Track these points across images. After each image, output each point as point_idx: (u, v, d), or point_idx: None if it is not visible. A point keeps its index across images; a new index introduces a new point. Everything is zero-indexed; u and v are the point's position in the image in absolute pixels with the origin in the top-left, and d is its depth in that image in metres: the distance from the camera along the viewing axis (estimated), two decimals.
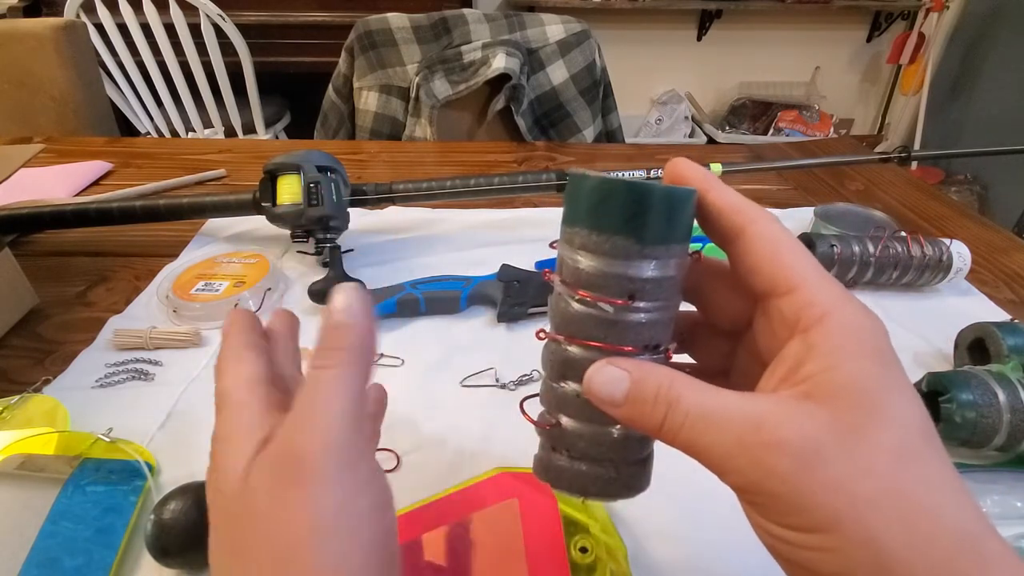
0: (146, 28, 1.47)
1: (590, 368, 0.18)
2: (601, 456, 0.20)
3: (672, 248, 0.18)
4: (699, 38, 2.59)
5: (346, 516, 0.18)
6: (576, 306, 0.19)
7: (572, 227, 0.19)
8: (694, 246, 0.20)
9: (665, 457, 0.40)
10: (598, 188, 0.18)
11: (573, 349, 0.19)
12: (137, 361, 0.47)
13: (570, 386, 0.20)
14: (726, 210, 0.19)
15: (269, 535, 0.17)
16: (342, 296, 0.20)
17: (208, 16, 1.47)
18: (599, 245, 0.18)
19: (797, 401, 0.16)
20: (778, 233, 0.18)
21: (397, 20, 1.12)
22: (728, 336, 0.22)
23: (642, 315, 0.19)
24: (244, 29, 1.54)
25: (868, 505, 0.15)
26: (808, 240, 0.56)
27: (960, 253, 0.55)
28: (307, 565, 0.17)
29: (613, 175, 0.21)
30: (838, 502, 0.15)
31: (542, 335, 0.21)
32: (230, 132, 1.69)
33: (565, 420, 0.20)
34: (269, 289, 0.55)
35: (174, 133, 1.68)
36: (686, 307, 0.22)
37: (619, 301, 0.18)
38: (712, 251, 0.21)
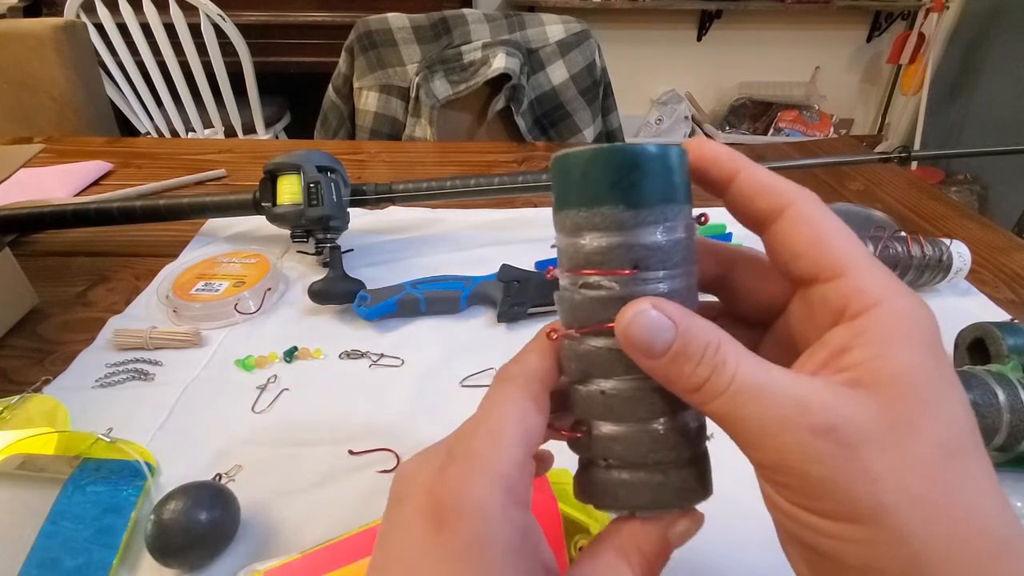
0: (146, 28, 1.47)
1: (627, 307, 0.16)
2: (642, 460, 0.18)
3: (668, 209, 0.17)
4: (699, 38, 2.59)
5: None
6: (581, 292, 0.18)
7: (561, 211, 0.18)
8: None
9: None
10: (576, 161, 0.17)
11: (589, 342, 0.18)
12: (137, 361, 0.47)
13: (595, 385, 0.18)
14: (761, 190, 0.18)
15: None
16: (691, 526, 0.19)
17: (208, 16, 1.47)
18: (590, 220, 0.17)
19: (844, 387, 0.15)
20: (822, 214, 0.17)
21: (397, 20, 1.12)
22: (752, 326, 0.21)
23: (652, 285, 0.17)
24: (244, 29, 1.54)
25: (910, 500, 0.14)
26: None
27: (960, 253, 0.55)
28: None
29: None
30: (879, 494, 0.14)
31: (554, 335, 0.19)
32: (230, 132, 1.69)
33: (597, 424, 0.18)
34: (269, 289, 0.55)
35: (174, 133, 1.68)
36: (706, 298, 0.21)
37: (624, 271, 0.17)
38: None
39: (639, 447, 0.18)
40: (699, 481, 0.19)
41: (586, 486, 0.19)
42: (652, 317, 0.16)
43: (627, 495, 0.18)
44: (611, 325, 0.17)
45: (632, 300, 0.17)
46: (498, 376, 0.19)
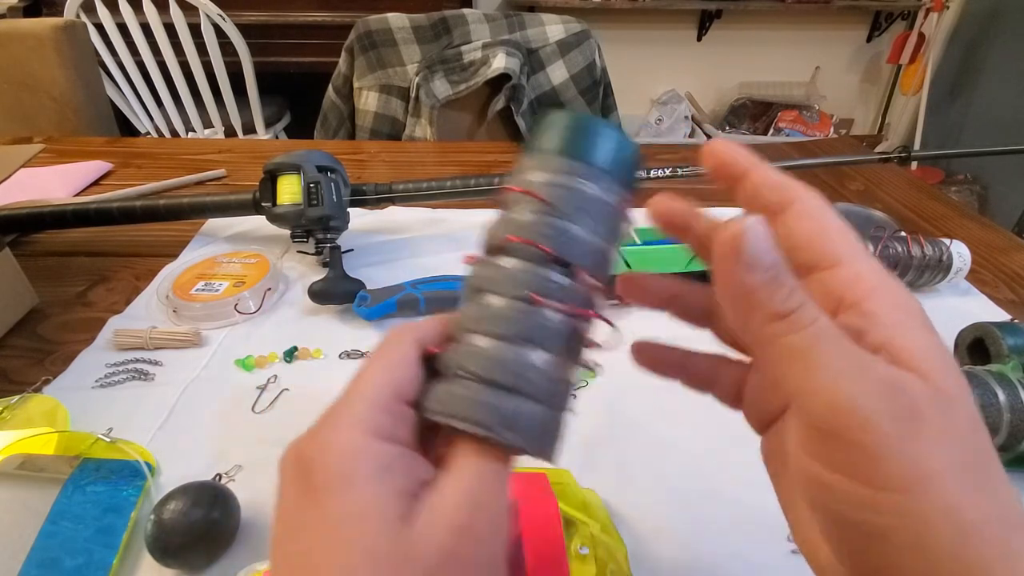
0: (146, 28, 1.47)
1: (744, 219, 0.16)
2: (493, 377, 0.17)
3: (601, 175, 0.19)
4: (699, 38, 2.59)
5: None
6: (506, 212, 0.20)
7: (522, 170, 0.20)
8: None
9: (666, 457, 0.40)
10: (549, 121, 0.20)
11: (497, 260, 0.19)
12: (137, 361, 0.47)
13: (484, 299, 0.18)
14: (771, 186, 0.18)
15: None
16: None
17: (208, 16, 1.47)
18: (541, 161, 0.20)
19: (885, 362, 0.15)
20: (823, 209, 0.18)
21: (397, 20, 1.12)
22: (742, 350, 0.22)
23: (568, 223, 0.18)
24: (244, 29, 1.54)
25: (956, 470, 0.14)
26: None
27: (960, 253, 0.55)
28: None
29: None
30: (930, 461, 0.14)
31: (468, 259, 0.20)
32: (230, 132, 1.69)
33: (468, 337, 0.18)
34: (269, 289, 0.55)
35: (174, 133, 1.68)
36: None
37: (545, 201, 0.19)
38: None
39: (481, 358, 0.18)
40: (529, 423, 0.18)
41: (424, 396, 0.18)
42: (765, 232, 0.16)
43: (451, 403, 0.18)
44: (512, 238, 0.18)
45: (746, 217, 0.16)
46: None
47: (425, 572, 0.15)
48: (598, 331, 0.20)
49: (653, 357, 0.23)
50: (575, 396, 0.18)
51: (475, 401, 0.17)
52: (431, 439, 0.20)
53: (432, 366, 0.19)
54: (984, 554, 0.14)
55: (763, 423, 0.21)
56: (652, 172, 0.62)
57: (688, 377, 0.22)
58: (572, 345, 0.19)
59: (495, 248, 0.19)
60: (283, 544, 0.17)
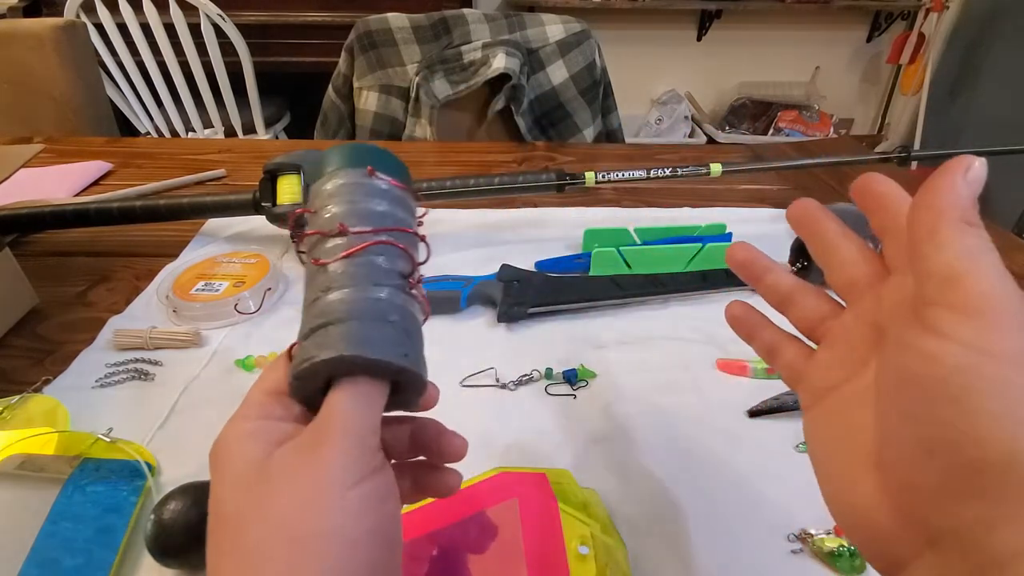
0: (146, 28, 1.47)
1: (967, 156, 0.19)
2: (323, 321, 0.21)
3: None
4: (699, 38, 2.59)
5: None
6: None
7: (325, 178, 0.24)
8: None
9: (666, 458, 0.40)
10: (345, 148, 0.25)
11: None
12: (137, 361, 0.47)
13: (335, 268, 0.22)
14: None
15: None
16: None
17: (208, 16, 1.47)
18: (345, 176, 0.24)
19: None
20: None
21: (397, 20, 1.12)
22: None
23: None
24: (244, 29, 1.54)
25: None
26: (801, 243, 0.56)
27: None
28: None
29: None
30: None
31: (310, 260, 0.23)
32: (230, 132, 1.69)
33: (331, 295, 0.21)
34: (269, 289, 0.55)
35: (174, 133, 1.68)
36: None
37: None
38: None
39: (309, 317, 0.21)
40: (368, 340, 0.20)
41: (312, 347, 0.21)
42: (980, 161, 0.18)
43: (297, 361, 0.21)
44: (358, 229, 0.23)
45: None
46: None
47: (274, 489, 0.19)
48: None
49: (738, 316, 0.27)
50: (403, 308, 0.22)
51: (302, 347, 0.21)
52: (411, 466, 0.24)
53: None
54: None
55: (820, 392, 0.22)
56: (652, 172, 0.62)
57: (759, 344, 0.26)
58: (361, 273, 0.22)
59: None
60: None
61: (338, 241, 0.22)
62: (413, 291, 0.23)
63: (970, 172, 0.18)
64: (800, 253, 0.58)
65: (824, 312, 0.24)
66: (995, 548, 0.15)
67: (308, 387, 0.21)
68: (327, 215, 0.22)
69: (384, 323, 0.21)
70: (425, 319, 0.24)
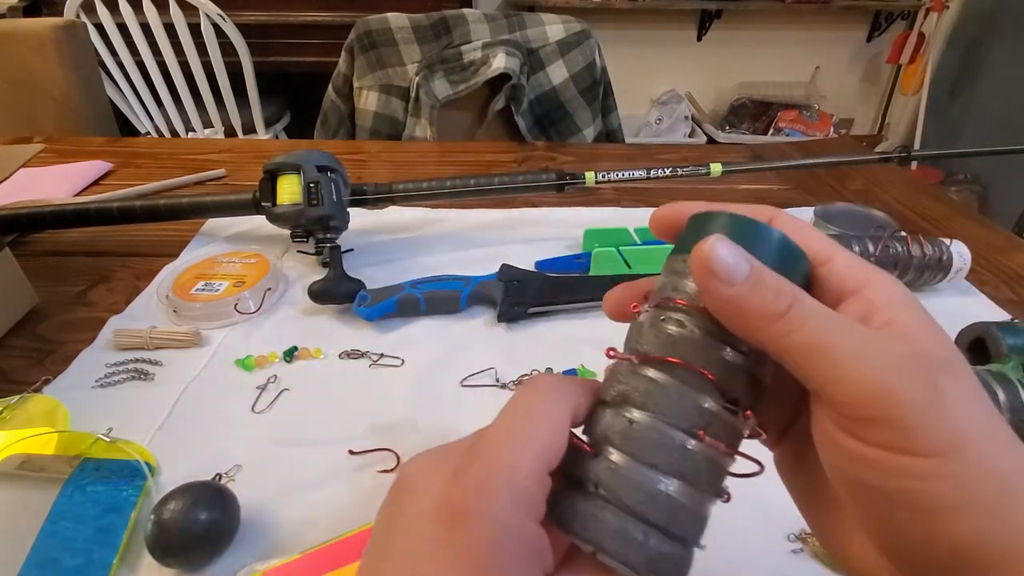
0: (146, 28, 1.47)
1: (705, 239, 0.17)
2: (632, 506, 0.17)
3: None
4: (699, 38, 2.59)
5: None
6: (660, 323, 0.18)
7: (677, 254, 0.19)
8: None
9: None
10: (711, 219, 0.19)
11: (644, 369, 0.18)
12: (137, 361, 0.47)
13: (627, 413, 0.17)
14: (750, 210, 0.20)
15: None
16: None
17: (208, 16, 1.47)
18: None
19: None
20: (799, 219, 0.20)
21: (397, 20, 1.12)
22: None
23: (734, 354, 0.18)
24: (244, 29, 1.54)
25: (981, 429, 0.15)
26: None
27: (960, 253, 0.55)
28: None
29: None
30: (965, 423, 0.15)
31: (613, 354, 0.19)
32: (230, 132, 1.69)
33: (608, 450, 0.17)
34: (269, 289, 0.55)
35: (174, 133, 1.68)
36: None
37: (704, 315, 0.18)
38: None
39: (637, 492, 0.17)
40: (672, 565, 0.17)
41: (564, 505, 0.17)
42: (732, 246, 0.16)
43: (598, 532, 0.17)
44: (673, 359, 0.17)
45: (707, 238, 0.17)
46: (533, 383, 0.19)
47: None
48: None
49: None
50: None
51: (623, 534, 0.16)
52: None
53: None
54: (1020, 507, 0.14)
55: (777, 434, 0.21)
56: (652, 172, 0.62)
57: None
58: (716, 481, 0.18)
59: (645, 357, 0.18)
60: (403, 568, 0.16)
61: (702, 404, 0.17)
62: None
63: (720, 259, 0.16)
64: None
65: None
66: None
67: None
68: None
69: (694, 550, 0.18)
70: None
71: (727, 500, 0.18)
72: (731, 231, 0.18)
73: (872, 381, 0.15)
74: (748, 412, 0.18)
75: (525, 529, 0.16)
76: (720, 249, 0.16)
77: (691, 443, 0.17)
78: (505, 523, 0.16)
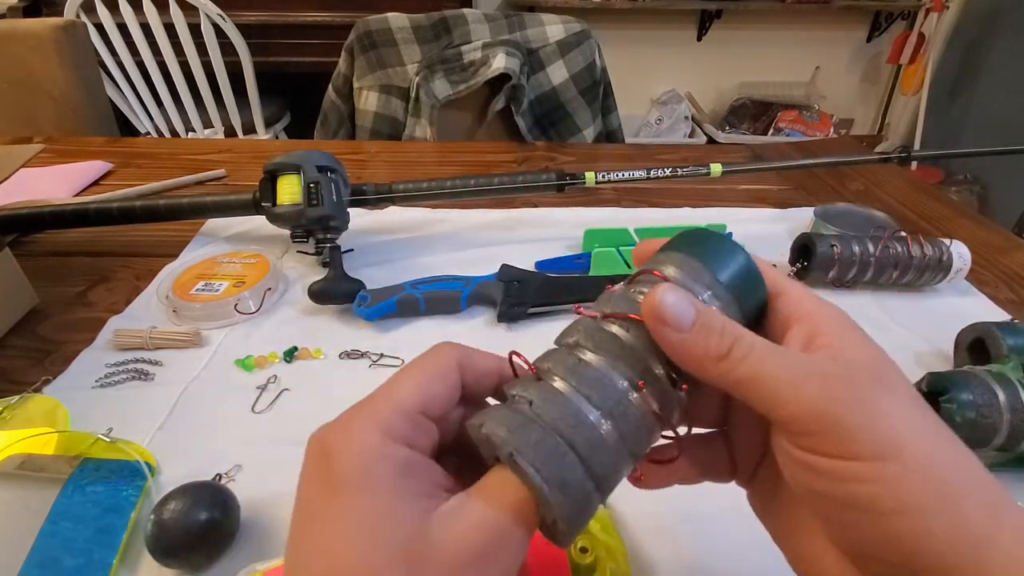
0: (146, 28, 1.47)
1: (656, 289, 0.18)
2: (559, 426, 0.17)
3: (715, 282, 0.20)
4: (699, 38, 2.59)
5: None
6: (628, 290, 0.20)
7: (664, 252, 0.21)
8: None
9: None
10: (698, 233, 0.21)
11: (604, 324, 0.19)
12: (137, 361, 0.47)
13: (578, 351, 0.19)
14: None
15: None
16: None
17: (208, 16, 1.47)
18: (677, 260, 0.20)
19: (833, 356, 0.18)
20: (760, 259, 0.21)
21: (397, 20, 1.12)
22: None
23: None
24: (244, 29, 1.54)
25: (917, 433, 0.16)
26: (808, 240, 0.56)
27: (960, 253, 0.55)
28: None
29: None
30: (895, 428, 0.16)
31: (579, 309, 0.21)
32: (230, 132, 1.69)
33: (551, 376, 0.19)
34: (269, 289, 0.55)
35: (174, 133, 1.68)
36: None
37: (665, 280, 0.20)
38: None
39: (567, 415, 0.17)
40: (580, 495, 0.17)
41: (492, 414, 0.18)
42: (679, 294, 0.18)
43: (521, 438, 0.17)
44: (635, 316, 0.19)
45: (656, 287, 0.19)
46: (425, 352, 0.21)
47: None
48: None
49: (655, 486, 0.23)
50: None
51: (544, 445, 0.17)
52: (452, 462, 0.21)
53: (502, 391, 0.20)
54: (964, 504, 0.16)
55: (748, 473, 0.23)
56: (652, 172, 0.62)
57: (691, 471, 0.23)
58: (639, 440, 0.19)
59: (609, 315, 0.20)
60: (302, 533, 0.17)
61: (651, 365, 0.19)
62: None
63: (668, 309, 0.18)
64: (800, 253, 0.58)
65: (714, 412, 0.24)
66: None
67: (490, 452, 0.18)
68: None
69: (600, 499, 0.18)
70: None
71: (637, 476, 0.21)
72: (704, 248, 0.20)
73: (806, 402, 0.17)
74: (684, 386, 0.19)
75: (386, 449, 0.17)
76: (668, 298, 0.18)
77: (631, 392, 0.18)
78: (364, 446, 0.17)
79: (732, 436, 0.23)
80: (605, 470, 0.18)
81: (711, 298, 0.20)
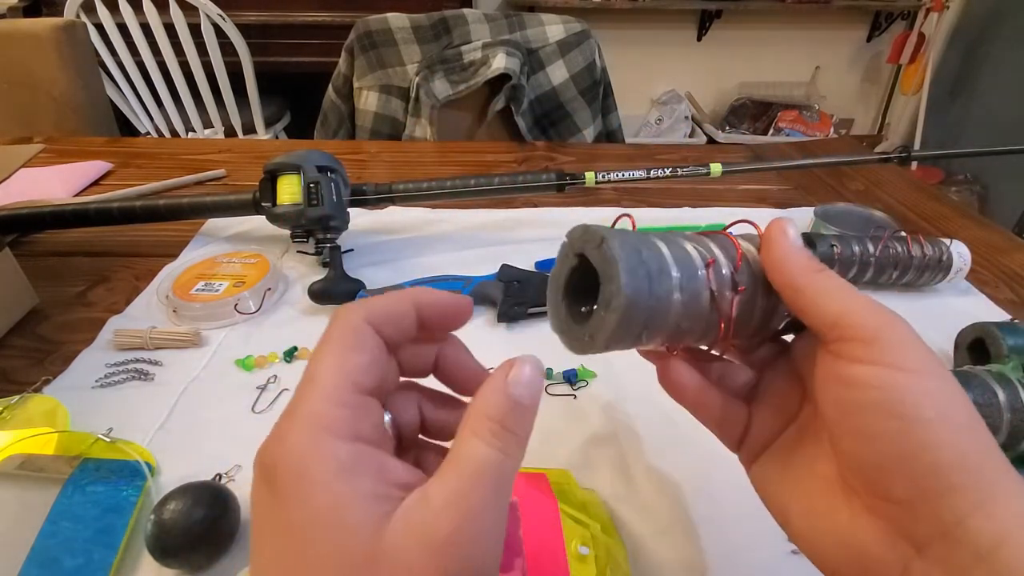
0: (146, 28, 1.47)
1: (783, 219, 0.22)
2: (656, 287, 0.20)
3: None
4: (699, 38, 2.59)
5: None
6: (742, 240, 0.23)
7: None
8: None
9: (666, 458, 0.40)
10: None
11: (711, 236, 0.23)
12: (137, 361, 0.47)
13: (688, 246, 0.21)
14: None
15: None
16: (531, 370, 0.18)
17: (208, 16, 1.47)
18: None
19: None
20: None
21: (397, 20, 1.12)
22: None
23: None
24: (244, 29, 1.54)
25: (941, 369, 0.18)
26: (808, 240, 0.56)
27: (960, 253, 0.55)
28: None
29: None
30: (924, 358, 0.18)
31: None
32: (230, 132, 1.69)
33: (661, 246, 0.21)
34: (269, 289, 0.55)
35: (174, 133, 1.68)
36: None
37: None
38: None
39: (646, 246, 0.20)
40: (641, 299, 0.19)
41: (617, 233, 0.20)
42: (794, 223, 0.22)
43: (626, 252, 0.19)
44: (727, 234, 0.23)
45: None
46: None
47: None
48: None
49: (677, 383, 0.24)
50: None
51: (630, 248, 0.19)
52: (416, 445, 0.20)
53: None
54: (986, 435, 0.18)
55: (759, 449, 0.24)
56: (652, 172, 0.62)
57: (700, 403, 0.24)
58: (692, 305, 0.21)
59: (705, 234, 0.23)
60: (256, 549, 0.16)
61: (726, 272, 0.22)
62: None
63: (791, 230, 0.22)
64: None
65: (746, 377, 0.25)
66: (973, 540, 0.16)
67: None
68: None
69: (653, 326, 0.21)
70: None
71: (675, 352, 0.23)
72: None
73: (872, 315, 0.19)
74: (741, 287, 0.21)
75: (322, 448, 0.16)
76: (789, 224, 0.22)
77: (700, 268, 0.21)
78: (297, 449, 0.16)
79: (756, 409, 0.24)
80: (661, 301, 0.20)
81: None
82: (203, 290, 0.53)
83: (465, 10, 1.14)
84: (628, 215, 0.24)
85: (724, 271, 0.21)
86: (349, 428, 0.16)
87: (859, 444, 0.19)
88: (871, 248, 0.54)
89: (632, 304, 0.19)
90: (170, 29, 1.47)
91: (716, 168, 0.63)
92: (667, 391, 0.24)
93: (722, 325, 0.21)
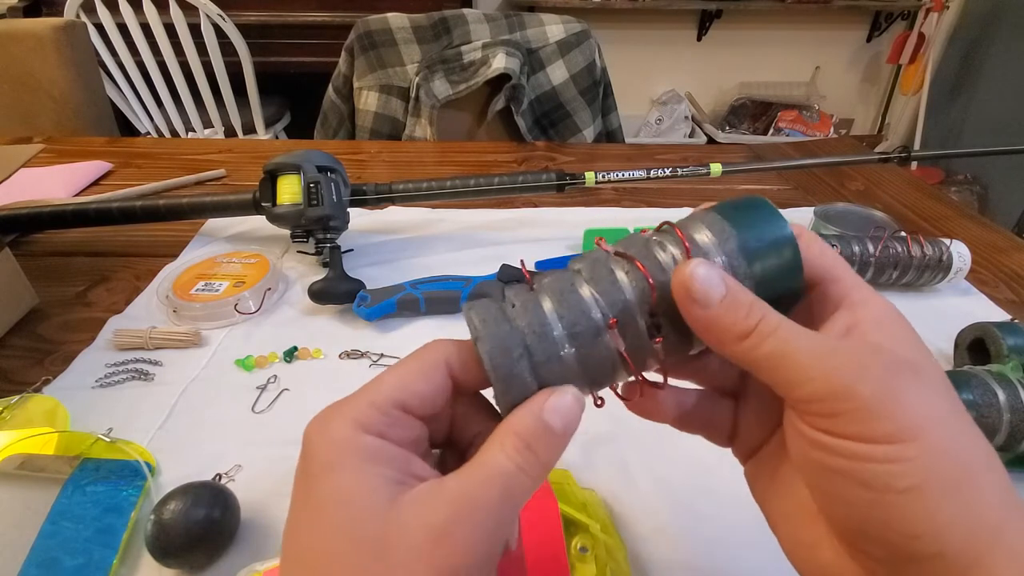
0: (146, 28, 1.47)
1: (686, 263, 0.18)
2: (539, 330, 0.19)
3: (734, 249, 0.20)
4: (699, 38, 2.59)
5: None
6: (660, 253, 0.20)
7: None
8: None
9: (666, 457, 0.40)
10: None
11: (613, 263, 0.20)
12: (137, 361, 0.47)
13: (585, 293, 0.19)
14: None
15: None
16: (571, 401, 0.19)
17: (208, 16, 1.47)
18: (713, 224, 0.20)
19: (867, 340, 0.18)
20: (820, 239, 0.21)
21: (397, 20, 1.12)
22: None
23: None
24: (244, 29, 1.54)
25: (945, 420, 0.16)
26: None
27: (960, 253, 0.55)
28: None
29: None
30: (923, 410, 0.16)
31: (599, 242, 0.21)
32: (230, 132, 1.69)
33: (543, 291, 0.20)
34: (269, 289, 0.55)
35: (174, 133, 1.68)
36: None
37: (687, 246, 0.20)
38: None
39: (535, 323, 0.19)
40: (520, 390, 0.19)
41: (481, 303, 0.20)
42: (710, 269, 0.18)
43: (488, 328, 0.19)
44: (637, 261, 0.19)
45: (688, 260, 0.18)
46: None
47: (400, 565, 0.16)
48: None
49: (648, 407, 0.23)
50: None
51: (504, 342, 0.18)
52: (453, 460, 0.21)
53: None
54: (977, 492, 0.16)
55: (752, 448, 0.22)
56: (652, 172, 0.62)
57: (682, 419, 0.23)
58: (598, 370, 0.20)
59: (620, 253, 0.20)
60: (287, 521, 0.18)
61: (635, 314, 0.19)
62: None
63: (699, 285, 0.18)
64: None
65: (731, 373, 0.24)
66: None
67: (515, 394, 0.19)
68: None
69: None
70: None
71: (598, 404, 0.21)
72: (742, 215, 0.20)
73: (827, 381, 0.17)
74: (659, 339, 0.19)
75: (357, 440, 0.17)
76: (699, 272, 0.18)
77: (602, 328, 0.19)
78: (335, 436, 0.18)
79: (743, 406, 0.23)
80: (552, 381, 0.19)
81: (739, 269, 0.19)
82: (203, 290, 0.53)
83: (465, 10, 1.14)
84: (601, 239, 0.22)
85: (638, 320, 0.19)
86: (382, 431, 0.18)
87: (831, 505, 0.18)
88: (871, 248, 0.54)
89: (506, 390, 0.19)
90: (170, 29, 1.47)
91: (716, 168, 0.63)
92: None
93: (636, 378, 0.20)
